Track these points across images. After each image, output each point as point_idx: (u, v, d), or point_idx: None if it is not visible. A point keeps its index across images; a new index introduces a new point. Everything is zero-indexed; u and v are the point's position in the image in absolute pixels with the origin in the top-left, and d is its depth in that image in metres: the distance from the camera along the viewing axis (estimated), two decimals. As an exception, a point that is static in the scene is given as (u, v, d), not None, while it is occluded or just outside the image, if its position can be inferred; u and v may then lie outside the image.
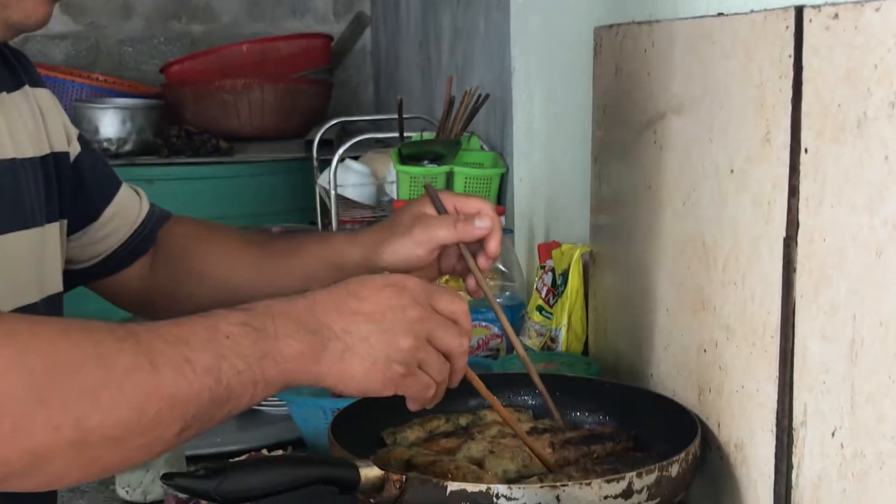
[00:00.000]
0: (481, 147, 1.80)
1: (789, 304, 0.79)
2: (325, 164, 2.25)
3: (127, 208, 1.06)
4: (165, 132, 2.88)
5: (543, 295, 1.35)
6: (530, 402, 1.08)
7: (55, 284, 0.94)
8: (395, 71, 3.07)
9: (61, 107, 1.00)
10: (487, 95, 1.73)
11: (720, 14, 0.91)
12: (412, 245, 0.95)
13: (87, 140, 1.05)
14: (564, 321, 1.28)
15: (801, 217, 0.77)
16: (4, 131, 0.88)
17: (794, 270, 0.78)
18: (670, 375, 1.03)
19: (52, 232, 0.93)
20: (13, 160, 0.88)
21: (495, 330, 1.45)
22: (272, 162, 2.89)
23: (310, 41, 3.25)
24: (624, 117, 1.14)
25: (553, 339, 1.30)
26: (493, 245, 0.96)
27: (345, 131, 2.86)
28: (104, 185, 1.05)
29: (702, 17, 0.95)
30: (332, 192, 1.78)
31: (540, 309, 1.35)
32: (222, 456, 1.35)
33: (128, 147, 2.81)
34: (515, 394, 1.09)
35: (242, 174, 2.87)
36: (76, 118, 2.81)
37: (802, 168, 0.76)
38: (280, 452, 1.28)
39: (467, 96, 1.71)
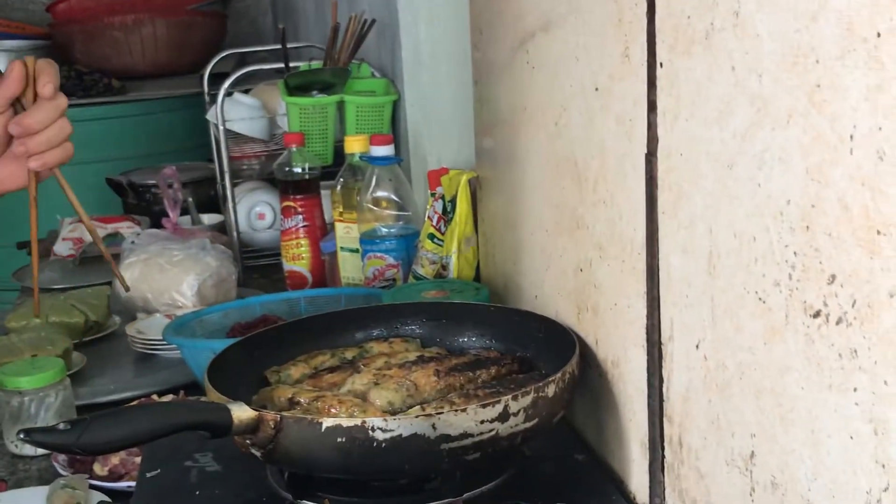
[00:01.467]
0: (372, 74, 1.76)
1: (653, 220, 0.79)
2: (216, 99, 2.19)
3: None
4: (54, 73, 2.76)
5: (435, 223, 1.34)
6: (418, 331, 1.08)
7: None
8: (289, 0, 2.99)
9: None
10: (374, 21, 1.68)
11: (580, -73, 0.89)
12: None
13: None
14: (454, 248, 1.27)
15: (660, 132, 0.76)
16: None
17: (656, 186, 0.78)
18: (552, 296, 1.03)
19: None
20: None
21: (390, 260, 1.44)
22: (166, 99, 2.81)
23: (200, -29, 3.14)
24: (498, 37, 1.12)
25: (445, 267, 1.29)
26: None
27: (244, 64, 2.78)
28: None
29: (564, -69, 0.93)
30: (220, 127, 1.73)
31: (431, 237, 1.34)
32: (116, 403, 1.33)
33: (14, 91, 2.69)
34: (403, 324, 1.08)
35: (136, 112, 2.78)
36: (-43, 63, 2.69)
37: (659, 83, 0.75)
38: (171, 397, 1.27)
39: (353, 22, 1.66)
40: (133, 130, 2.76)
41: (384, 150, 1.43)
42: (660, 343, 0.80)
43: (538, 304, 1.07)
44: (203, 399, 0.90)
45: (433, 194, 1.36)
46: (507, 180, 1.15)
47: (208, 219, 2.07)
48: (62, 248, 1.94)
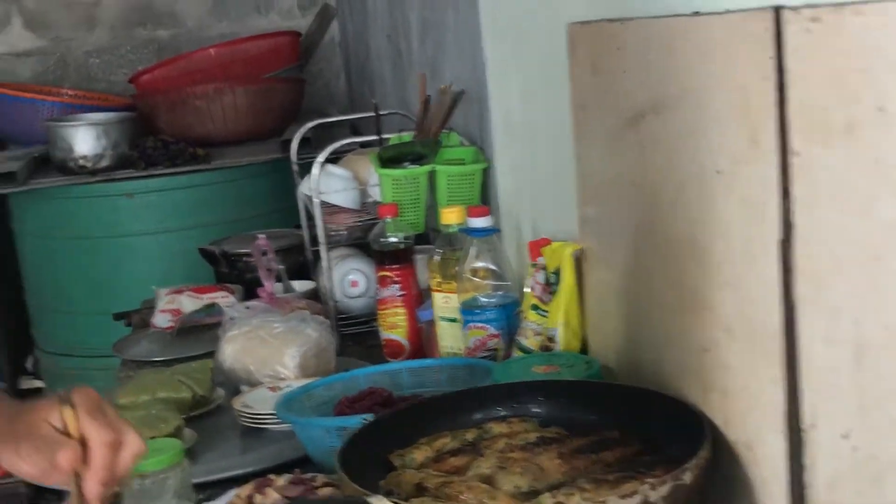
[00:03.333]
0: (460, 142, 1.79)
1: (789, 306, 0.79)
2: (304, 167, 2.23)
3: None
4: (141, 144, 2.85)
5: (538, 293, 1.34)
6: (535, 410, 1.08)
7: None
8: (365, 63, 3.04)
9: None
10: (463, 91, 1.71)
11: (696, 13, 0.90)
12: (15, 456, 0.89)
13: None
14: (561, 320, 1.28)
15: (796, 220, 0.76)
16: None
17: (792, 273, 0.78)
18: (672, 374, 1.03)
19: None
20: None
21: (492, 330, 1.44)
22: (250, 165, 2.87)
23: (278, 39, 3.22)
24: (604, 115, 1.13)
25: (551, 339, 1.29)
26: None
27: (322, 127, 2.84)
28: None
29: (676, 15, 0.94)
30: (316, 201, 1.77)
31: (535, 308, 1.34)
32: (231, 480, 1.35)
33: (104, 163, 2.78)
34: (520, 403, 1.08)
35: (221, 180, 2.85)
36: (50, 138, 2.78)
37: (793, 171, 0.76)
38: (288, 476, 1.28)
39: (444, 93, 1.69)
40: (219, 197, 2.82)
41: (482, 222, 1.45)
42: (800, 429, 0.80)
43: (657, 381, 1.06)
44: (338, 493, 0.91)
45: (534, 265, 1.37)
46: (617, 255, 1.16)
47: (300, 286, 2.10)
48: (160, 320, 1.99)
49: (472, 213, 1.45)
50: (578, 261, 1.28)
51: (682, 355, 1.00)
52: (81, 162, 2.76)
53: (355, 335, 1.88)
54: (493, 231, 1.44)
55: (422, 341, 1.67)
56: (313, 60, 3.60)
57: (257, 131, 3.06)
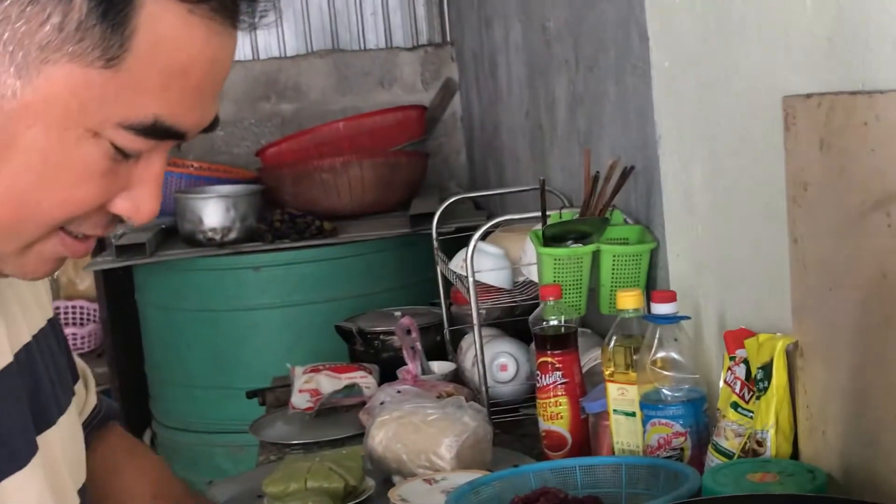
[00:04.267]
0: (624, 221, 1.69)
1: None
2: (448, 241, 2.16)
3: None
4: (268, 217, 2.82)
5: (737, 390, 1.22)
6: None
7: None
8: (493, 139, 2.98)
9: None
10: (633, 167, 1.62)
11: None
12: None
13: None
14: (772, 421, 1.15)
15: None
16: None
17: None
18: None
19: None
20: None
21: (678, 427, 1.32)
22: (378, 240, 2.81)
23: (405, 113, 3.20)
24: (838, 195, 1.02)
25: (759, 443, 1.17)
26: None
27: (440, 201, 2.77)
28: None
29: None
30: (471, 280, 1.68)
31: (735, 406, 1.22)
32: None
33: (232, 235, 2.76)
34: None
35: (348, 254, 2.80)
36: (178, 209, 2.77)
37: None
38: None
39: (611, 170, 1.60)
40: (344, 271, 2.77)
41: (668, 308, 1.34)
42: None
43: (908, 498, 0.93)
44: None
45: (732, 358, 1.25)
46: (846, 350, 1.04)
47: (438, 367, 2.01)
48: (299, 400, 1.91)
49: (656, 297, 1.34)
50: (790, 356, 1.16)
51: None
52: (210, 234, 2.74)
53: (503, 423, 1.77)
54: (681, 318, 1.33)
55: (586, 433, 1.55)
56: (434, 135, 3.56)
57: (382, 205, 3.02)
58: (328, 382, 1.93)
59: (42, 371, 0.80)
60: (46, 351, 0.83)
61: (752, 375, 1.20)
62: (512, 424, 1.77)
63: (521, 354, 1.84)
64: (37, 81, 0.62)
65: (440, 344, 2.13)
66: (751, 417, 1.20)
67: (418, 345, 1.88)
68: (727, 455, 1.21)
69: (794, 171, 1.11)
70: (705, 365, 1.41)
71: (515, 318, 1.97)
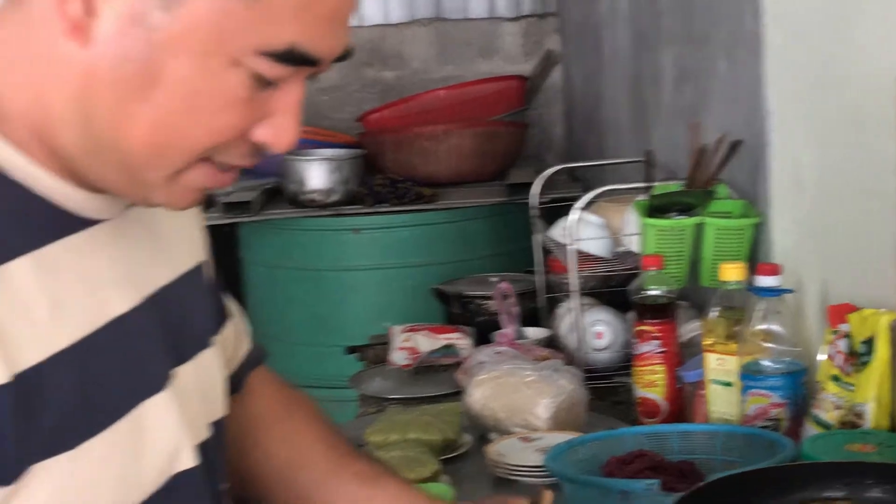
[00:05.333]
0: (728, 195, 1.70)
1: None
2: (546, 211, 2.19)
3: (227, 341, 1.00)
4: (369, 181, 2.89)
5: (839, 363, 1.24)
6: (869, 494, 0.98)
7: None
8: (594, 111, 2.99)
9: None
10: (741, 142, 1.62)
11: None
12: None
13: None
14: (872, 395, 1.17)
15: None
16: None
17: None
18: None
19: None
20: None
21: (775, 398, 1.34)
22: (475, 208, 2.86)
23: (506, 83, 3.22)
24: (953, 173, 1.03)
25: (858, 415, 1.18)
26: None
27: (537, 171, 2.79)
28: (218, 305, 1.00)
29: None
30: (571, 248, 1.71)
31: (836, 379, 1.24)
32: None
33: (334, 197, 2.83)
34: (852, 484, 0.98)
35: (445, 220, 2.85)
36: (284, 170, 2.86)
37: None
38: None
39: (720, 143, 1.61)
40: (440, 237, 2.82)
41: (772, 281, 1.36)
42: None
43: None
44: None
45: (835, 332, 1.27)
46: (956, 328, 1.04)
47: (533, 333, 2.04)
48: (398, 357, 1.97)
49: (761, 270, 1.36)
50: (894, 331, 1.17)
51: None
52: (313, 196, 2.82)
53: (599, 389, 1.80)
54: (785, 291, 1.34)
55: (681, 403, 1.58)
56: (533, 106, 3.58)
57: (479, 173, 3.05)
58: (426, 342, 1.99)
59: (185, 309, 0.85)
60: (192, 290, 0.87)
61: (855, 349, 1.21)
62: (606, 391, 1.80)
63: (617, 323, 1.86)
64: (181, 13, 0.66)
65: (534, 311, 2.16)
66: (851, 391, 1.21)
67: (515, 309, 1.92)
68: (826, 426, 1.22)
69: (909, 148, 1.11)
70: (806, 338, 1.42)
71: (612, 289, 1.99)
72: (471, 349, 1.94)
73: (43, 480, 0.69)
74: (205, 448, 0.83)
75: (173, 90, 0.68)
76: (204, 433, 0.85)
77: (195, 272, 0.88)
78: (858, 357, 1.20)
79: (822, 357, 1.28)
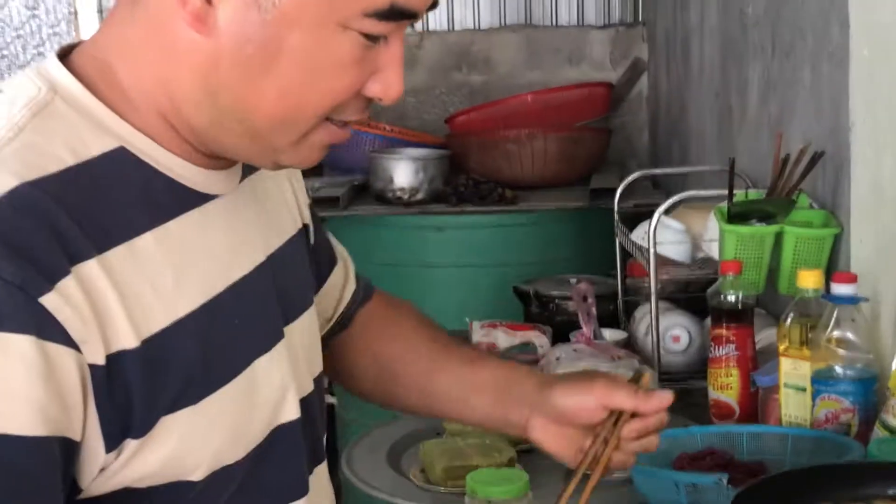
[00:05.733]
0: (810, 205, 1.72)
1: None
2: (626, 216, 2.23)
3: (333, 288, 1.09)
4: (453, 181, 2.96)
5: (912, 371, 1.26)
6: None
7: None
8: (679, 119, 3.01)
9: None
10: (823, 153, 1.65)
11: None
12: (588, 395, 1.02)
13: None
14: (942, 403, 1.19)
15: None
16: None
17: None
18: None
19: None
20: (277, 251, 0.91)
21: (846, 404, 1.37)
22: (556, 211, 2.90)
23: (591, 90, 3.27)
24: None
25: (929, 422, 1.20)
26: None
27: (620, 178, 2.83)
28: (323, 259, 1.08)
29: None
30: (652, 251, 1.76)
31: (908, 387, 1.26)
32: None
33: (419, 196, 2.91)
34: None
35: (526, 222, 2.90)
36: (371, 168, 2.95)
37: None
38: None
39: (802, 154, 1.64)
40: (521, 238, 2.87)
41: (848, 289, 1.38)
42: None
43: None
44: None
45: (910, 340, 1.29)
46: None
47: (610, 334, 2.09)
48: (477, 351, 2.03)
49: (837, 278, 1.39)
50: (967, 341, 1.19)
51: None
52: (399, 193, 2.90)
53: (675, 391, 1.84)
54: (860, 300, 1.37)
55: (754, 406, 1.61)
56: (618, 113, 3.61)
57: (562, 178, 3.10)
58: (504, 338, 2.05)
59: (292, 271, 0.93)
60: (297, 254, 0.95)
61: (928, 358, 1.23)
62: (683, 393, 1.82)
63: (694, 327, 1.90)
64: None
65: (612, 313, 2.20)
66: (923, 399, 1.23)
67: (593, 310, 1.97)
68: (894, 431, 1.25)
69: None
70: (880, 347, 1.44)
71: (690, 294, 2.02)
72: (548, 347, 2.00)
73: (170, 431, 0.77)
74: (306, 402, 0.91)
75: (293, 62, 0.75)
76: (307, 387, 0.92)
77: (298, 236, 0.96)
78: (931, 366, 1.22)
79: (895, 365, 1.30)
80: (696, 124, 2.76)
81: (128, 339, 0.74)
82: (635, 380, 1.06)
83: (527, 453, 1.59)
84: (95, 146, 0.77)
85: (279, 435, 0.86)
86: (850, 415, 1.36)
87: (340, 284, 1.09)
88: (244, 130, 0.78)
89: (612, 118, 3.57)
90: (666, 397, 1.04)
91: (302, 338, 0.92)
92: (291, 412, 0.88)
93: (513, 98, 3.25)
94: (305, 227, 1.00)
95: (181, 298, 0.78)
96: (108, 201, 0.76)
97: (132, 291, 0.75)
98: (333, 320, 1.10)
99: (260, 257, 0.87)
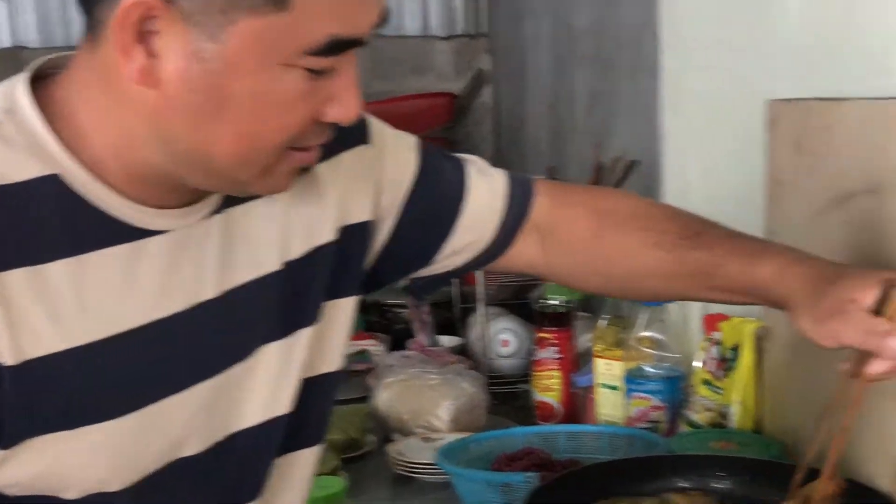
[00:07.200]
0: (628, 212, 1.79)
1: None
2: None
3: (477, 222, 1.00)
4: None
5: (711, 368, 1.33)
6: (715, 485, 1.06)
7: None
8: (519, 130, 3.08)
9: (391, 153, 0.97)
10: (638, 161, 1.72)
11: (926, 96, 0.89)
12: (815, 329, 0.85)
13: (426, 170, 0.99)
14: (737, 398, 1.26)
15: None
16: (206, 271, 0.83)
17: None
18: (864, 461, 0.99)
19: (303, 336, 0.90)
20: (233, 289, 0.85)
21: (656, 402, 1.43)
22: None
23: (435, 100, 3.30)
24: (805, 193, 1.12)
25: (724, 416, 1.27)
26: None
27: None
28: (436, 227, 1.00)
29: (903, 97, 0.93)
30: (479, 258, 1.79)
31: (707, 383, 1.33)
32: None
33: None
34: (701, 476, 1.06)
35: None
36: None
37: None
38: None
39: (616, 163, 1.70)
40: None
41: (655, 292, 1.44)
42: None
43: (845, 467, 1.03)
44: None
45: (708, 339, 1.36)
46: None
47: (447, 341, 2.11)
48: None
49: (645, 281, 1.44)
50: (759, 339, 1.26)
51: (879, 442, 0.97)
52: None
53: (503, 394, 1.88)
54: (667, 302, 1.43)
55: (575, 406, 1.66)
56: (463, 123, 3.66)
57: (407, 187, 3.12)
58: (341, 347, 2.04)
59: (255, 308, 0.86)
60: (269, 291, 0.87)
61: (724, 356, 1.30)
62: (510, 396, 1.88)
63: (523, 332, 1.94)
64: (227, 39, 0.73)
65: (451, 320, 2.24)
66: (720, 394, 1.30)
67: (427, 318, 1.99)
68: (696, 427, 1.31)
69: (773, 170, 1.21)
70: (689, 347, 1.51)
71: (522, 301, 2.07)
72: (384, 355, 2.01)
73: (40, 450, 0.76)
74: (242, 436, 0.87)
75: (241, 106, 0.75)
76: (246, 422, 0.87)
77: (282, 272, 0.88)
78: (727, 363, 1.29)
79: (697, 363, 1.37)
80: (534, 134, 2.83)
81: (4, 356, 0.74)
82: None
83: (354, 461, 1.60)
84: (28, 171, 0.76)
85: (178, 467, 0.84)
86: (659, 412, 1.42)
87: (486, 209, 1.00)
88: (207, 170, 0.79)
89: (458, 128, 3.62)
90: None
91: (251, 375, 0.87)
92: (194, 447, 0.85)
93: (356, 108, 3.25)
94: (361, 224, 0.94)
95: (80, 329, 0.77)
96: (22, 224, 0.76)
97: (22, 313, 0.74)
98: (485, 249, 1.01)
99: (207, 294, 0.84)
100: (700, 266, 0.95)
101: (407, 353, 1.83)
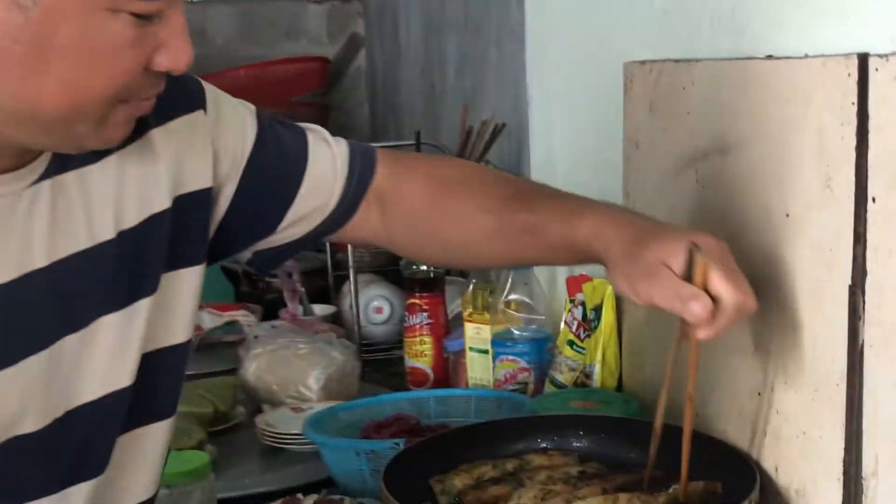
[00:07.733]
0: (496, 176, 1.79)
1: (855, 352, 0.78)
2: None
3: (320, 189, 0.99)
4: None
5: (574, 329, 1.34)
6: (575, 444, 1.07)
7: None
8: (393, 94, 3.06)
9: (229, 119, 0.95)
10: (504, 125, 1.72)
11: (769, 57, 0.91)
12: (629, 289, 0.86)
13: (265, 136, 0.97)
14: (599, 357, 1.27)
15: (869, 266, 0.76)
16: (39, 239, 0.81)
17: (861, 319, 0.77)
18: (717, 416, 1.02)
19: (142, 307, 0.87)
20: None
21: (523, 363, 1.44)
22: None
23: (307, 64, 3.24)
24: (659, 154, 1.14)
25: (587, 376, 1.29)
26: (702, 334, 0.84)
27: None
28: (278, 194, 0.98)
29: (749, 58, 0.94)
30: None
31: (571, 343, 1.34)
32: (252, 497, 1.34)
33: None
34: (561, 436, 1.08)
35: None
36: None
37: (870, 217, 0.76)
38: (314, 496, 1.27)
39: (484, 126, 1.70)
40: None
41: (521, 255, 1.45)
42: (859, 477, 0.79)
43: (699, 422, 1.05)
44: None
45: (572, 300, 1.37)
46: (662, 294, 1.15)
47: (320, 310, 2.09)
48: (181, 334, 1.97)
49: (510, 245, 1.44)
50: (619, 299, 1.28)
51: (730, 397, 1.00)
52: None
53: (376, 361, 1.87)
54: (500, 267, 1.44)
55: (447, 371, 1.66)
56: (337, 88, 3.61)
57: (280, 154, 3.06)
58: (209, 319, 2.00)
59: (90, 277, 0.84)
60: (104, 259, 0.84)
61: (587, 316, 1.32)
62: (383, 363, 1.87)
63: (396, 299, 1.93)
64: None
65: (325, 288, 2.21)
66: (583, 354, 1.32)
67: (298, 286, 1.96)
68: (560, 387, 1.33)
69: (629, 131, 1.22)
70: (556, 309, 1.52)
71: (395, 267, 2.06)
72: (256, 325, 1.97)
73: None
74: (81, 411, 0.84)
75: (67, 55, 0.72)
76: (86, 396, 0.85)
77: (123, 237, 0.86)
78: (590, 323, 1.31)
79: (563, 324, 1.39)
80: (407, 99, 2.81)
81: None
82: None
83: (223, 434, 1.57)
84: None
85: (16, 445, 0.81)
86: (526, 374, 1.43)
87: (328, 176, 1.00)
88: (36, 126, 0.75)
89: (333, 93, 3.57)
90: (733, 296, 0.81)
91: (88, 348, 0.84)
92: (31, 424, 0.81)
93: (227, 72, 3.16)
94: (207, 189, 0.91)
95: None
96: None
97: None
98: (329, 217, 1.00)
99: (36, 264, 0.80)
100: (525, 226, 0.96)
101: (276, 323, 1.80)
